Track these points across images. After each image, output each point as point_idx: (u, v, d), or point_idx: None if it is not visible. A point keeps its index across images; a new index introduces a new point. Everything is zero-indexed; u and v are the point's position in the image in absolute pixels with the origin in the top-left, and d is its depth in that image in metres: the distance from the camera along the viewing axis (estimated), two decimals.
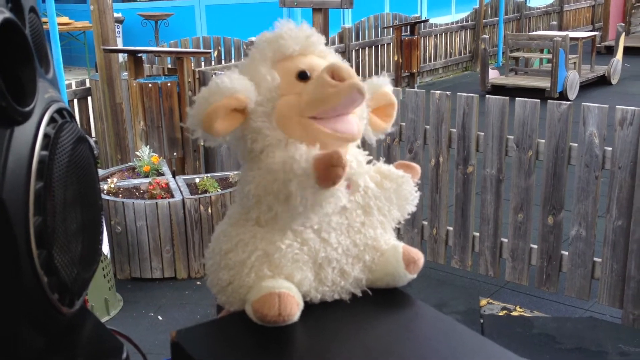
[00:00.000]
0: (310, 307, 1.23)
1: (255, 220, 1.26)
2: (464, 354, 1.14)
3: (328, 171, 1.13)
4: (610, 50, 12.04)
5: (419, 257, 1.35)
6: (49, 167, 0.92)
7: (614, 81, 10.87)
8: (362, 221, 1.30)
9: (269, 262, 1.22)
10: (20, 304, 0.91)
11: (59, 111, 1.00)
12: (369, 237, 1.31)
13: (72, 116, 1.05)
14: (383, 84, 1.41)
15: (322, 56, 1.34)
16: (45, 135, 0.93)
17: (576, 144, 3.89)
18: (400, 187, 1.34)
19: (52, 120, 0.97)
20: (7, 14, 0.88)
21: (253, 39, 8.99)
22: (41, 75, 1.01)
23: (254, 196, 1.23)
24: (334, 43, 9.70)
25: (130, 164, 5.32)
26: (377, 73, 11.32)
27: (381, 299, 1.29)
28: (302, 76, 1.27)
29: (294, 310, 1.16)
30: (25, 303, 0.92)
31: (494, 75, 10.50)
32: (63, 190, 0.95)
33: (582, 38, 10.62)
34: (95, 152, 6.38)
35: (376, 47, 10.60)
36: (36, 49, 0.99)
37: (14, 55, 0.91)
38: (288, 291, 1.17)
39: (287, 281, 1.21)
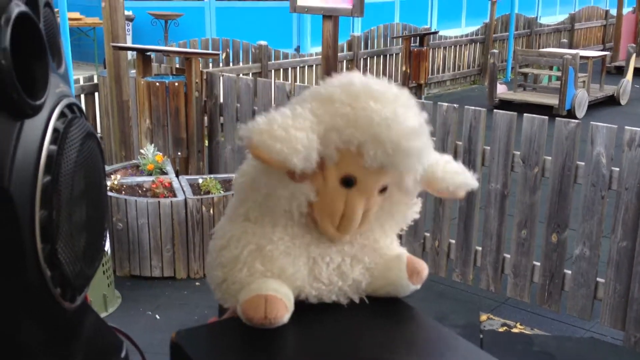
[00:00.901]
0: (309, 312, 1.22)
1: (244, 215, 1.26)
2: None
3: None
4: (621, 71, 12.04)
5: (423, 268, 1.33)
6: (57, 162, 0.91)
7: (623, 102, 10.86)
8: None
9: (261, 256, 1.22)
10: (23, 297, 0.91)
11: (69, 106, 1.00)
12: (364, 237, 1.30)
13: (82, 112, 1.05)
14: (468, 186, 1.34)
15: (402, 172, 1.21)
16: (55, 130, 0.93)
17: (583, 163, 3.88)
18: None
19: (62, 115, 0.96)
20: (23, 8, 0.88)
21: (262, 42, 8.97)
22: (53, 69, 1.01)
23: (243, 190, 1.24)
24: (342, 51, 9.71)
25: (134, 161, 5.32)
26: None
27: (381, 307, 1.29)
28: (345, 183, 1.18)
29: (281, 313, 1.15)
30: (28, 296, 0.92)
31: (501, 90, 10.49)
32: (70, 186, 0.95)
33: (593, 57, 10.62)
34: None
35: (385, 56, 10.61)
36: (49, 44, 0.99)
37: (27, 49, 0.91)
38: (275, 294, 1.17)
39: (278, 281, 1.20)
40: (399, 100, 1.18)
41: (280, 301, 1.16)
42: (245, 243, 1.23)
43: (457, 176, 1.31)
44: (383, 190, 1.21)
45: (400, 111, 1.15)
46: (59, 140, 0.93)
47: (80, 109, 1.05)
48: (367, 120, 1.13)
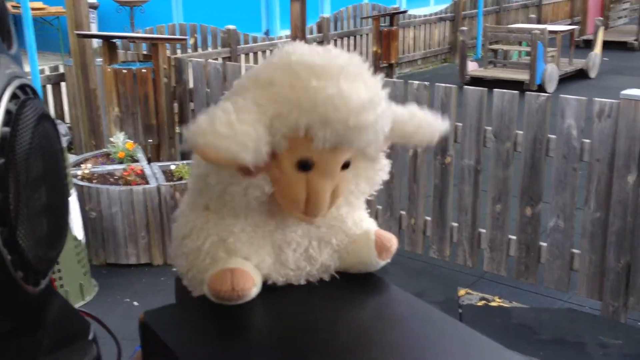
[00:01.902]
0: (277, 290, 1.20)
1: (204, 206, 1.22)
2: (441, 339, 1.12)
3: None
4: (589, 44, 12.11)
5: (392, 243, 1.29)
6: (10, 144, 0.89)
7: (592, 75, 10.93)
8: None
9: (224, 246, 1.19)
10: None
11: (22, 87, 0.98)
12: (331, 218, 1.25)
13: (36, 93, 1.02)
14: (438, 132, 1.28)
15: (360, 147, 1.13)
16: (7, 112, 0.91)
17: (554, 136, 3.89)
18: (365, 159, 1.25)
19: (14, 96, 0.94)
20: None
21: (230, 27, 8.89)
22: (3, 50, 0.99)
23: (198, 182, 1.20)
24: (312, 32, 9.66)
25: (104, 150, 5.25)
26: None
27: (352, 282, 1.26)
28: (302, 167, 1.11)
29: (248, 284, 1.12)
30: None
31: (472, 67, 10.52)
32: (26, 168, 0.93)
33: (561, 31, 10.67)
34: (67, 137, 6.27)
35: (355, 37, 10.57)
36: None
37: None
38: (242, 266, 1.14)
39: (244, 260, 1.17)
40: (343, 72, 1.09)
41: (247, 273, 1.13)
42: (206, 234, 1.20)
43: (429, 126, 1.26)
44: (345, 166, 1.15)
45: (345, 86, 1.07)
46: (12, 122, 0.91)
47: (34, 90, 1.02)
48: (310, 102, 1.06)
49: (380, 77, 1.16)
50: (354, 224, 1.29)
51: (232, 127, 1.05)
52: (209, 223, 1.21)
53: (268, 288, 1.19)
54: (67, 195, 1.15)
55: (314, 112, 1.06)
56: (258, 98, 1.10)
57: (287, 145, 1.09)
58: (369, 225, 1.32)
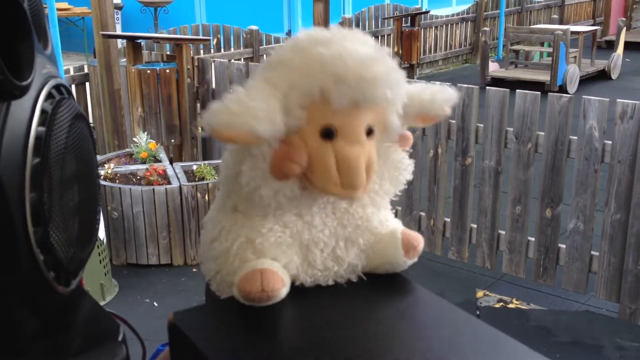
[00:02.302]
0: (306, 292, 1.21)
1: (232, 207, 1.23)
2: (465, 340, 1.12)
3: (283, 162, 1.10)
4: (611, 45, 12.02)
5: (419, 242, 1.30)
6: (45, 144, 0.90)
7: (614, 76, 10.85)
8: (348, 202, 1.24)
9: (253, 247, 1.19)
10: (16, 282, 0.90)
11: (57, 87, 0.98)
12: (357, 217, 1.26)
13: (70, 93, 1.03)
14: (450, 100, 1.26)
15: (377, 105, 1.14)
16: (43, 111, 0.91)
17: (576, 137, 3.88)
18: (389, 159, 1.26)
19: (49, 95, 0.95)
20: None
21: (253, 27, 8.94)
22: (39, 50, 0.99)
23: (227, 182, 1.21)
24: None
25: (127, 150, 5.30)
26: None
27: (379, 283, 1.27)
28: (326, 135, 1.12)
29: (278, 285, 1.12)
30: (21, 281, 0.90)
31: (494, 68, 10.47)
32: (60, 168, 0.94)
33: (583, 32, 10.60)
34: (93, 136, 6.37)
35: (376, 37, 10.52)
36: (34, 24, 0.97)
37: (11, 29, 0.89)
38: (271, 267, 1.15)
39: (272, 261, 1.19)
40: (347, 37, 1.14)
41: (276, 274, 1.14)
42: (235, 236, 1.20)
43: (442, 94, 1.25)
44: (370, 133, 1.15)
45: (349, 45, 1.10)
46: (47, 121, 0.91)
47: (68, 90, 1.03)
48: (319, 65, 1.09)
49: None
50: (379, 223, 1.29)
51: (242, 103, 1.08)
52: (237, 225, 1.21)
53: (296, 289, 1.20)
54: (99, 196, 1.16)
55: (324, 72, 1.08)
56: (269, 78, 1.13)
57: (307, 117, 1.11)
58: (395, 224, 1.33)
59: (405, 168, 1.29)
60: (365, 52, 1.11)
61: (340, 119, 1.11)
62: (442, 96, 1.25)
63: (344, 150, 1.12)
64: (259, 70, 1.19)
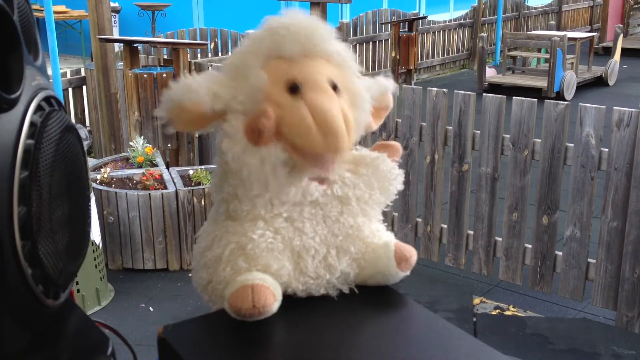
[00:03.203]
0: (297, 304, 1.20)
1: (225, 214, 1.24)
2: (456, 357, 1.11)
3: (253, 123, 1.16)
4: (608, 52, 12.03)
5: (412, 254, 1.30)
6: (34, 157, 0.89)
7: (611, 82, 10.86)
8: (339, 211, 1.26)
9: (244, 254, 1.19)
10: (3, 296, 0.89)
11: (47, 99, 0.98)
12: (348, 226, 1.26)
13: (61, 104, 1.03)
14: (388, 88, 1.36)
15: (328, 59, 1.24)
16: (32, 124, 0.91)
17: (572, 144, 3.88)
18: (378, 169, 1.29)
19: (39, 108, 0.94)
20: None
21: (250, 31, 9.06)
22: (29, 61, 0.99)
23: (218, 186, 1.25)
24: None
25: (124, 154, 5.29)
26: (374, 69, 11.12)
27: (371, 297, 1.26)
28: (292, 89, 1.18)
29: (269, 301, 1.12)
30: (9, 295, 0.89)
31: (491, 74, 10.48)
32: (49, 181, 0.93)
33: (580, 38, 10.61)
34: (87, 142, 6.32)
35: (374, 42, 10.58)
36: (24, 35, 0.97)
37: (1, 42, 0.89)
38: (262, 282, 1.15)
39: (263, 273, 1.18)
40: (292, 12, 1.27)
41: (267, 289, 1.14)
42: (226, 242, 1.21)
43: (377, 84, 1.35)
44: (335, 88, 1.20)
45: (292, 14, 1.25)
46: (37, 134, 0.91)
47: (59, 102, 1.02)
48: (269, 29, 1.23)
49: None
50: (371, 233, 1.30)
51: (182, 82, 1.19)
52: (228, 232, 1.22)
53: (289, 300, 1.19)
54: (89, 208, 1.15)
55: (274, 33, 1.21)
56: (221, 68, 1.26)
57: (268, 77, 1.18)
58: (388, 237, 1.33)
59: (395, 178, 1.30)
60: (305, 17, 1.25)
61: (299, 71, 1.19)
62: (377, 86, 1.34)
63: (316, 100, 1.17)
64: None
